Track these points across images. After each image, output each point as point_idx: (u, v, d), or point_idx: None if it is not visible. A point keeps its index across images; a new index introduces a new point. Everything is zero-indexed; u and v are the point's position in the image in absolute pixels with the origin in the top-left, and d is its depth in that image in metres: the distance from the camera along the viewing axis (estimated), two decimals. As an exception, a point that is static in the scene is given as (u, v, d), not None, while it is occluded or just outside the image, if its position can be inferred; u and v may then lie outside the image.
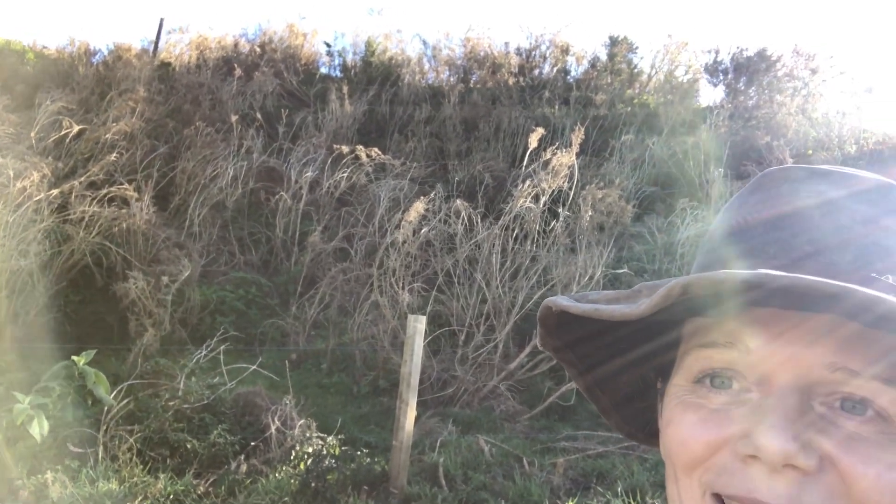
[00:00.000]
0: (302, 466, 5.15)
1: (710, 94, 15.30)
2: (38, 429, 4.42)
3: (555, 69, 15.15)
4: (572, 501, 4.94)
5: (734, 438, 0.55)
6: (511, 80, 14.64)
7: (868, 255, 0.56)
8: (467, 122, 13.07)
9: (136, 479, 4.69)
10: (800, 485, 0.52)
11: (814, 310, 0.51)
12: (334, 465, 5.11)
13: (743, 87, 13.86)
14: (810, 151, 11.25)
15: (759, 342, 0.56)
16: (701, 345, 0.60)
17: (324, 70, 15.72)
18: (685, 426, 0.59)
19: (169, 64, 13.73)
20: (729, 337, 0.58)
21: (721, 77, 14.29)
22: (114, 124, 10.43)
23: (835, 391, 0.54)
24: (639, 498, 4.85)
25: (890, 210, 0.60)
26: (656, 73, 15.01)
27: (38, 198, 8.10)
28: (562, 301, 0.62)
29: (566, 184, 8.91)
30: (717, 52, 14.38)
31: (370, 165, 10.69)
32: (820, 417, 0.54)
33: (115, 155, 9.82)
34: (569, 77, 15.13)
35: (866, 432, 0.53)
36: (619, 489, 4.97)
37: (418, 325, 5.37)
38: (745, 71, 13.76)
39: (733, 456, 0.55)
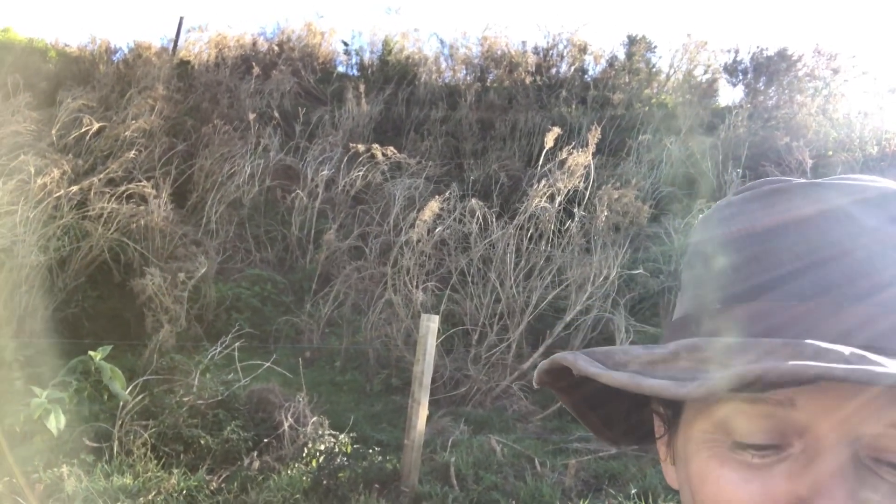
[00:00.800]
0: (314, 464, 5.18)
1: (730, 94, 15.19)
2: (55, 423, 4.48)
3: (572, 68, 15.09)
4: (584, 503, 4.92)
5: (779, 500, 0.52)
6: (528, 80, 14.60)
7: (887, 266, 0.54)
8: (483, 122, 13.06)
9: (149, 473, 4.73)
10: None
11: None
12: (346, 463, 5.13)
13: (763, 87, 13.72)
14: (830, 152, 11.11)
15: (808, 400, 0.52)
16: (744, 399, 0.54)
17: (341, 69, 15.81)
18: (725, 484, 0.54)
19: (188, 62, 13.86)
20: (776, 394, 0.52)
21: (740, 77, 14.16)
22: (133, 122, 10.55)
23: (884, 447, 0.50)
24: (651, 500, 4.82)
25: None
26: (675, 72, 14.91)
27: (57, 194, 8.22)
28: (584, 365, 0.56)
29: (582, 184, 8.87)
30: (736, 52, 14.26)
31: (386, 164, 10.71)
32: (870, 472, 0.51)
33: (133, 152, 9.93)
34: (586, 76, 15.06)
35: None
36: (631, 491, 4.95)
37: (431, 325, 5.37)
38: (765, 71, 13.62)
39: None
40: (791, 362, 0.46)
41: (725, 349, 0.51)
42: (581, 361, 0.56)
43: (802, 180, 0.61)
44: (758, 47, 13.97)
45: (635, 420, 0.74)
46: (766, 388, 0.47)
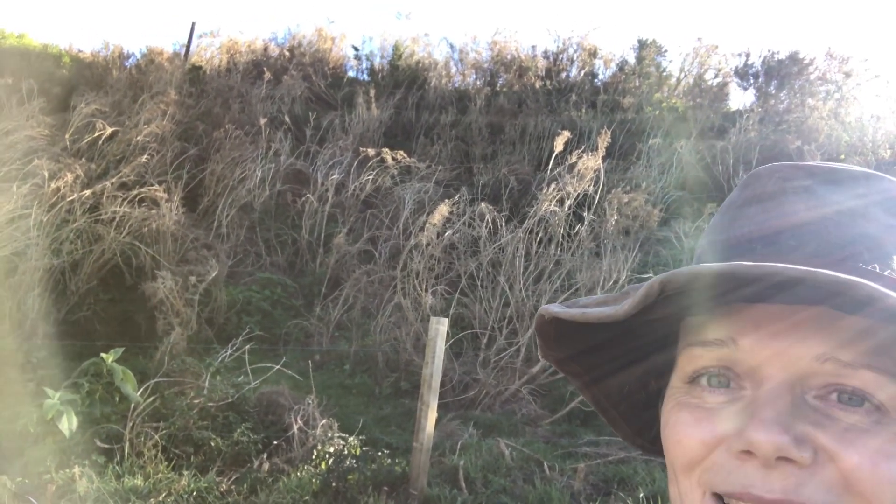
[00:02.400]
0: (323, 466, 5.19)
1: (740, 98, 15.11)
2: (67, 424, 4.52)
3: (582, 72, 15.07)
4: (593, 507, 4.91)
5: (728, 436, 0.55)
6: (538, 84, 14.60)
7: (855, 245, 0.57)
8: (493, 126, 13.07)
9: (160, 475, 4.77)
10: (796, 478, 0.52)
11: (794, 301, 0.52)
12: (355, 466, 5.14)
13: (774, 91, 13.66)
14: (843, 156, 11.04)
15: (749, 339, 0.56)
16: (692, 343, 0.60)
17: (351, 74, 15.85)
18: (680, 426, 0.59)
19: (200, 67, 13.95)
20: (719, 334, 0.58)
21: (752, 80, 14.09)
22: (145, 126, 10.63)
23: (828, 383, 0.54)
24: (660, 505, 4.80)
25: (876, 201, 0.60)
26: (685, 76, 14.86)
27: (71, 198, 8.29)
28: (553, 308, 0.62)
29: (592, 187, 8.87)
30: (747, 56, 14.20)
31: (396, 168, 10.74)
32: (814, 410, 0.54)
33: (146, 157, 10.00)
34: (596, 80, 15.04)
35: (863, 423, 0.53)
36: (640, 495, 4.93)
37: (440, 328, 5.38)
38: (777, 74, 13.56)
39: (729, 454, 0.55)
40: (694, 266, 0.52)
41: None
42: (552, 307, 0.63)
43: (789, 164, 0.66)
44: (769, 51, 13.92)
45: (647, 416, 0.77)
46: (693, 303, 0.55)
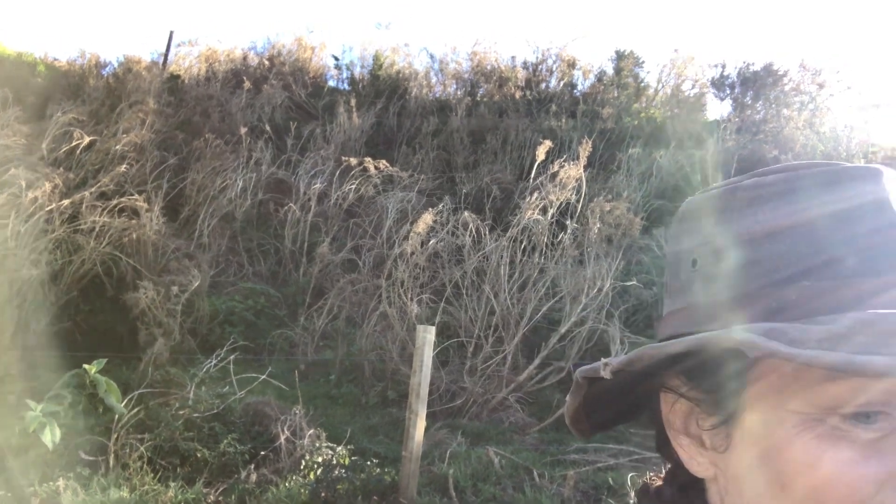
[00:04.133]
0: (312, 476, 5.14)
1: (717, 108, 15.36)
2: (50, 436, 4.42)
3: (561, 83, 15.22)
4: (583, 513, 4.92)
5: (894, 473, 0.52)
6: (518, 94, 14.72)
7: (876, 259, 0.56)
8: (474, 135, 13.12)
9: (146, 487, 4.68)
10: None
11: None
12: (344, 475, 5.10)
13: (750, 101, 13.90)
14: (818, 165, 11.23)
15: None
16: (826, 378, 0.54)
17: (332, 83, 15.85)
18: (846, 465, 0.53)
19: (178, 76, 13.85)
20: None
21: (728, 91, 14.34)
22: (124, 136, 10.51)
23: None
24: (650, 510, 4.81)
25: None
26: (663, 87, 15.07)
27: (49, 208, 8.16)
28: (773, 346, 0.53)
29: (574, 196, 8.93)
30: (723, 67, 14.45)
31: (378, 177, 10.73)
32: None
33: (125, 166, 9.88)
34: (575, 91, 15.21)
35: None
36: (630, 502, 4.95)
37: (428, 336, 5.36)
38: (752, 85, 13.80)
39: (894, 493, 0.52)
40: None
41: None
42: (760, 340, 0.52)
43: (794, 166, 0.65)
44: (744, 62, 14.19)
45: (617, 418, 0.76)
46: None
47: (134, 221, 8.67)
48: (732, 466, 0.61)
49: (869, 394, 0.52)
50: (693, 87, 14.79)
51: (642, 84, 15.20)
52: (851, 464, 0.52)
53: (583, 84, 15.38)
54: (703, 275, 0.65)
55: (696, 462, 0.65)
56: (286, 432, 5.45)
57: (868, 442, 0.53)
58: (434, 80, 15.59)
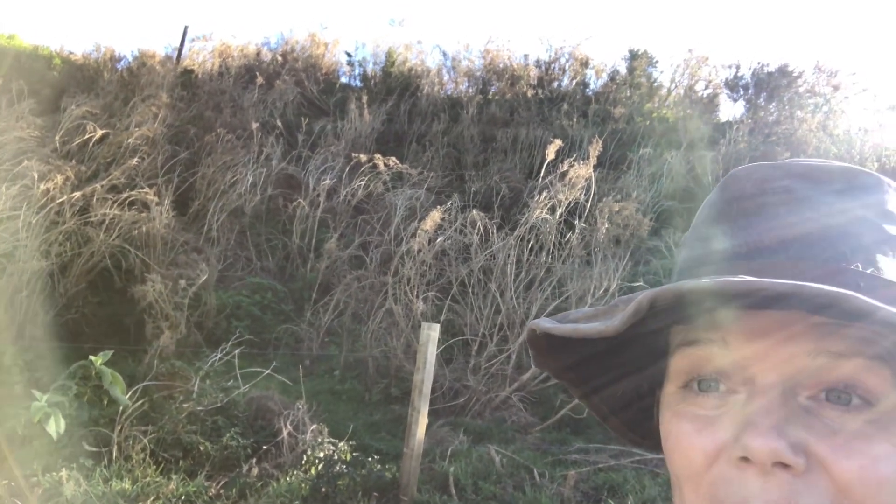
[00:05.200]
0: (313, 471, 5.17)
1: (730, 109, 15.25)
2: (55, 427, 4.47)
3: (574, 82, 15.17)
4: (582, 514, 4.91)
5: (727, 444, 0.54)
6: (529, 93, 14.68)
7: (837, 245, 0.56)
8: (485, 134, 13.11)
9: (148, 479, 4.73)
10: (792, 486, 0.50)
11: (783, 308, 0.51)
12: (345, 471, 5.12)
13: (763, 103, 13.79)
14: (831, 168, 11.13)
15: (739, 338, 0.55)
16: (684, 343, 0.60)
17: (344, 80, 15.88)
18: (683, 437, 0.58)
19: (192, 71, 13.92)
20: (709, 333, 0.57)
21: (741, 92, 14.24)
22: (136, 129, 10.58)
23: (819, 380, 0.53)
24: (650, 512, 4.81)
25: (856, 197, 0.60)
26: (676, 87, 14.99)
27: (60, 200, 8.24)
28: (544, 324, 0.62)
29: (583, 196, 8.91)
30: (737, 68, 14.35)
31: (387, 174, 10.75)
32: (806, 412, 0.53)
33: (136, 159, 9.95)
34: (588, 90, 15.14)
35: (851, 424, 0.52)
36: (630, 503, 4.94)
37: (432, 333, 5.37)
38: (766, 86, 13.69)
39: (729, 464, 0.53)
40: (683, 282, 0.51)
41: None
42: (543, 322, 0.62)
43: (768, 164, 0.65)
44: (759, 63, 14.08)
45: (639, 408, 0.76)
46: (684, 312, 0.54)
47: (144, 215, 8.73)
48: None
49: (691, 359, 0.58)
50: (706, 87, 14.71)
51: (655, 84, 15.12)
52: (687, 436, 0.57)
53: (595, 83, 15.32)
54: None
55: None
56: (289, 427, 5.48)
57: (707, 416, 0.57)
58: (446, 77, 15.58)
